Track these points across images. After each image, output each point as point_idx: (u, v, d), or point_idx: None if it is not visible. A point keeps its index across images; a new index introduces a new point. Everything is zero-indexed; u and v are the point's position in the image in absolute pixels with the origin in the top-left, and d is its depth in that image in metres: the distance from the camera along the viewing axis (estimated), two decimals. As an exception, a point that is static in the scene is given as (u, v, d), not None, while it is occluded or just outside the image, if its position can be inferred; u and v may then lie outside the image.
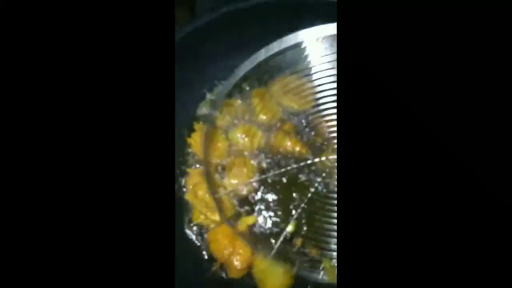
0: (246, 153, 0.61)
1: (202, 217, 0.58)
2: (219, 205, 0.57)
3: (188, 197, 0.59)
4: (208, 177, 0.58)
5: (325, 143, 0.60)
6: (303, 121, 0.62)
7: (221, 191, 0.59)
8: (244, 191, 0.59)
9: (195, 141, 0.61)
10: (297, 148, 0.60)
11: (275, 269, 0.55)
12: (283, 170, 0.60)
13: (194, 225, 0.59)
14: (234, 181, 0.59)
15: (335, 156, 0.59)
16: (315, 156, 0.60)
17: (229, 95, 0.63)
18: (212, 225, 0.59)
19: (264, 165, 0.60)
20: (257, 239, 0.57)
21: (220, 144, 0.61)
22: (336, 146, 0.59)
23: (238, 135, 0.61)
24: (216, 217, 0.58)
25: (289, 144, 0.60)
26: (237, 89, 0.64)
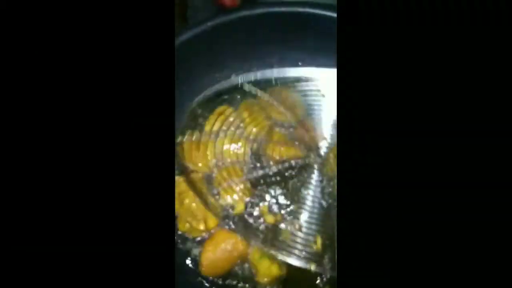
0: (235, 162, 0.60)
1: (187, 225, 0.56)
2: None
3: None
4: (195, 185, 0.58)
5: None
6: (291, 130, 0.62)
7: (209, 199, 0.57)
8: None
9: (184, 149, 0.60)
10: (292, 152, 0.60)
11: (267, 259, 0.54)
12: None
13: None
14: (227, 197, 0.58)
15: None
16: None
17: (220, 103, 0.64)
18: (197, 235, 0.57)
19: (254, 175, 0.60)
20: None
21: (208, 152, 0.60)
22: (321, 156, 0.60)
23: (227, 144, 0.61)
24: (201, 227, 0.56)
25: (283, 150, 0.60)
26: (228, 98, 0.65)
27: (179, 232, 0.57)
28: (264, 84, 0.66)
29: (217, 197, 0.58)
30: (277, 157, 0.60)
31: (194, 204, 0.57)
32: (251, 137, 0.62)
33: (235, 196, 0.58)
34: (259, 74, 0.66)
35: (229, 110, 0.64)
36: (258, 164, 0.60)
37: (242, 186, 0.58)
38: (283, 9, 0.57)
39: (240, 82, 0.66)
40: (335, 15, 0.56)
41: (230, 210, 0.57)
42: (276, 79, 0.66)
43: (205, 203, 0.57)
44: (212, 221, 0.57)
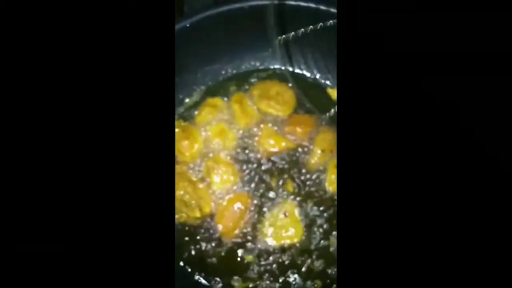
0: (223, 154, 0.61)
1: (184, 216, 0.56)
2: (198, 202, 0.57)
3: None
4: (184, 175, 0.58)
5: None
6: (281, 123, 0.62)
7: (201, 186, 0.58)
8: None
9: (172, 138, 0.60)
10: (283, 144, 0.60)
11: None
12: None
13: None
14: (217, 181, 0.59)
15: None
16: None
17: (212, 95, 0.65)
18: (195, 222, 0.57)
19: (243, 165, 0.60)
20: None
21: (196, 142, 0.60)
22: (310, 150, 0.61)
23: (216, 135, 0.61)
24: (197, 214, 0.56)
25: (273, 143, 0.60)
26: (219, 90, 0.65)
27: (176, 223, 0.57)
28: (256, 78, 0.66)
29: (207, 180, 0.59)
30: (267, 149, 0.61)
31: (187, 196, 0.57)
32: (241, 129, 0.62)
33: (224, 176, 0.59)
34: (251, 67, 0.67)
35: (221, 102, 0.64)
36: (246, 155, 0.61)
37: (230, 172, 0.59)
38: (276, 1, 0.57)
39: (232, 75, 0.67)
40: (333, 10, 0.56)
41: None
42: (268, 73, 0.67)
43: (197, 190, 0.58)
44: (207, 207, 0.57)
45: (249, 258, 0.55)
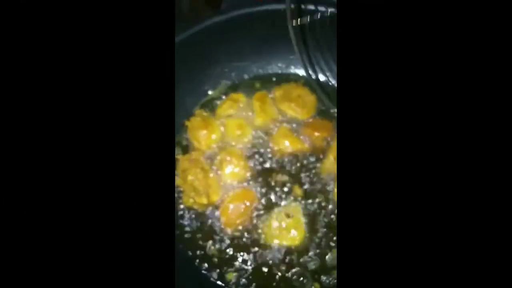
0: (237, 149, 0.62)
1: (191, 200, 0.58)
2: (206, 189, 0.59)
3: (178, 182, 0.60)
4: (197, 163, 0.60)
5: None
6: (294, 126, 0.64)
7: (212, 175, 0.60)
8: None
9: (192, 126, 0.62)
10: (298, 146, 0.62)
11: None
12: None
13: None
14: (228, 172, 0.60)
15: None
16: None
17: (236, 90, 0.67)
18: (201, 208, 0.59)
19: (257, 166, 0.62)
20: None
21: (214, 133, 0.62)
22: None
23: (233, 128, 0.63)
24: (204, 201, 0.58)
25: (288, 144, 0.61)
26: (244, 87, 0.67)
27: (182, 206, 0.59)
28: (280, 79, 0.68)
29: (218, 172, 0.60)
30: (281, 149, 0.62)
31: (197, 182, 0.59)
32: (259, 126, 0.64)
33: (236, 169, 0.60)
34: (277, 69, 0.69)
35: (243, 98, 0.65)
36: (260, 152, 0.62)
37: (241, 166, 0.61)
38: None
39: (258, 74, 0.68)
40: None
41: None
42: (293, 76, 0.68)
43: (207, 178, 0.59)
44: (215, 195, 0.59)
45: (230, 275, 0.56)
